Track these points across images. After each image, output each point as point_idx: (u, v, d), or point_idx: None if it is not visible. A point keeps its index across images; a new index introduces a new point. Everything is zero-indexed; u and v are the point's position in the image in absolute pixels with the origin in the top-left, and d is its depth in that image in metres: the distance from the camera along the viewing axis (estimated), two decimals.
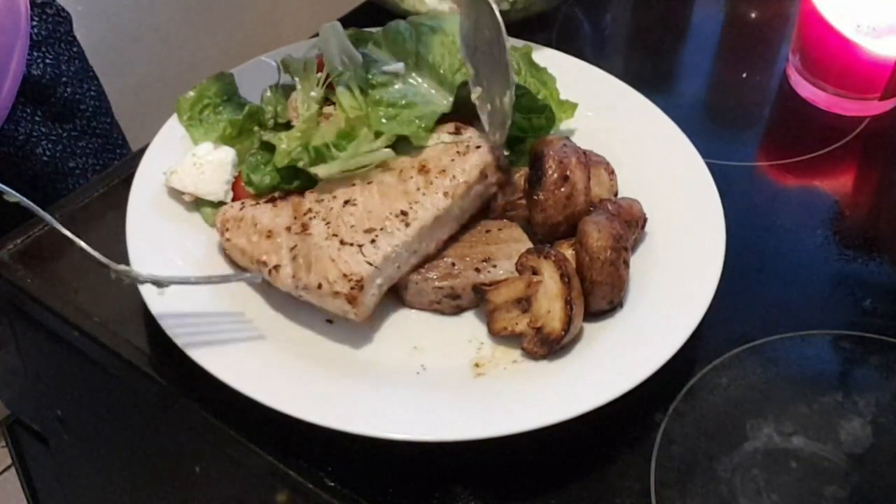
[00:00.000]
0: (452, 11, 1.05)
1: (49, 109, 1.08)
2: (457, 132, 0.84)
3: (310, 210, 0.79)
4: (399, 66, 0.87)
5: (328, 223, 0.77)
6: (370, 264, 0.74)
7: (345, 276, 0.73)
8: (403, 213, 0.77)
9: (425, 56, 0.88)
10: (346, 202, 0.79)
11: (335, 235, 0.76)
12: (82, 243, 0.69)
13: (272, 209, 0.80)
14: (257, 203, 0.81)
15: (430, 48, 0.88)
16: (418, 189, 0.79)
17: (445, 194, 0.79)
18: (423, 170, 0.80)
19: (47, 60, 1.07)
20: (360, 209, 0.78)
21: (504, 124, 0.83)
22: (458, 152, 0.81)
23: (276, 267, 0.75)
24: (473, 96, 0.85)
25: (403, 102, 0.85)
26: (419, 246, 0.78)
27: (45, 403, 0.93)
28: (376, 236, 0.76)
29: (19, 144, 1.05)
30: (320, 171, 0.81)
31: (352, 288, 0.73)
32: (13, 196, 0.67)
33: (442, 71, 0.88)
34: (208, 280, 0.75)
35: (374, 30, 0.96)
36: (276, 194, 0.82)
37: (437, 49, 0.88)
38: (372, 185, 0.80)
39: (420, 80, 0.87)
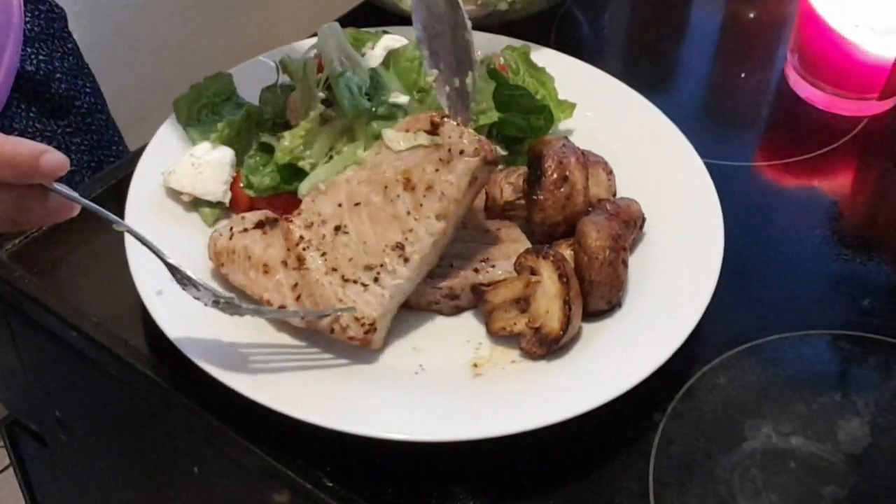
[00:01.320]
0: None
1: (43, 105, 1.08)
2: (434, 130, 0.77)
3: (301, 239, 0.76)
4: (405, 100, 0.86)
5: (324, 254, 0.75)
6: (379, 304, 0.73)
7: (357, 320, 0.73)
8: (400, 247, 0.75)
9: (430, 90, 0.86)
10: (338, 228, 0.76)
11: (335, 270, 0.75)
12: (191, 273, 0.70)
13: (262, 237, 0.77)
14: (245, 229, 0.78)
15: None
16: (409, 213, 0.75)
17: (438, 217, 0.75)
18: (408, 185, 0.76)
19: (41, 56, 1.07)
20: (353, 238, 0.76)
21: (466, 105, 0.82)
22: (440, 159, 0.76)
23: (282, 307, 0.75)
24: (429, 79, 0.84)
25: None
26: (421, 270, 0.76)
27: (44, 404, 0.93)
28: (378, 275, 0.74)
29: None
30: (302, 188, 0.81)
31: (366, 332, 0.73)
32: (122, 226, 0.70)
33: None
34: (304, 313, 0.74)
35: (372, 30, 0.96)
36: (264, 217, 0.79)
37: None
38: (360, 208, 0.76)
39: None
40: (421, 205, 0.75)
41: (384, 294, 0.74)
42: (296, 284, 0.75)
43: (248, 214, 0.80)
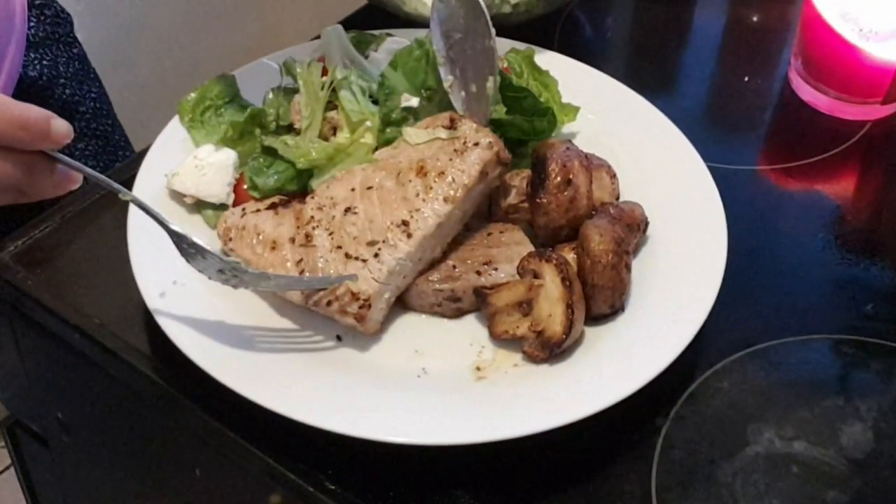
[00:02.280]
0: None
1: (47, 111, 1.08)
2: (452, 126, 0.82)
3: (312, 218, 0.78)
4: (414, 102, 0.86)
5: (331, 233, 0.77)
6: (376, 281, 0.74)
7: (353, 294, 0.73)
8: (405, 224, 0.76)
9: (437, 88, 0.87)
10: (348, 210, 0.78)
11: (339, 247, 0.76)
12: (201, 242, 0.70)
13: (274, 217, 0.79)
14: (258, 210, 0.80)
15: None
16: (418, 195, 0.78)
17: (446, 200, 0.77)
18: (421, 172, 0.79)
19: (45, 61, 1.07)
20: (361, 217, 0.77)
21: (486, 109, 0.83)
22: (455, 150, 0.79)
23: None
24: (446, 84, 0.85)
25: None
26: (423, 254, 0.77)
27: (45, 405, 0.93)
28: (379, 250, 0.75)
29: None
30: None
31: (360, 307, 0.73)
32: (128, 195, 0.71)
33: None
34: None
35: (375, 32, 0.96)
36: (277, 199, 0.81)
37: None
38: (371, 192, 0.79)
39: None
40: (430, 188, 0.78)
41: (381, 269, 0.75)
42: (300, 260, 0.76)
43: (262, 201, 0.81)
